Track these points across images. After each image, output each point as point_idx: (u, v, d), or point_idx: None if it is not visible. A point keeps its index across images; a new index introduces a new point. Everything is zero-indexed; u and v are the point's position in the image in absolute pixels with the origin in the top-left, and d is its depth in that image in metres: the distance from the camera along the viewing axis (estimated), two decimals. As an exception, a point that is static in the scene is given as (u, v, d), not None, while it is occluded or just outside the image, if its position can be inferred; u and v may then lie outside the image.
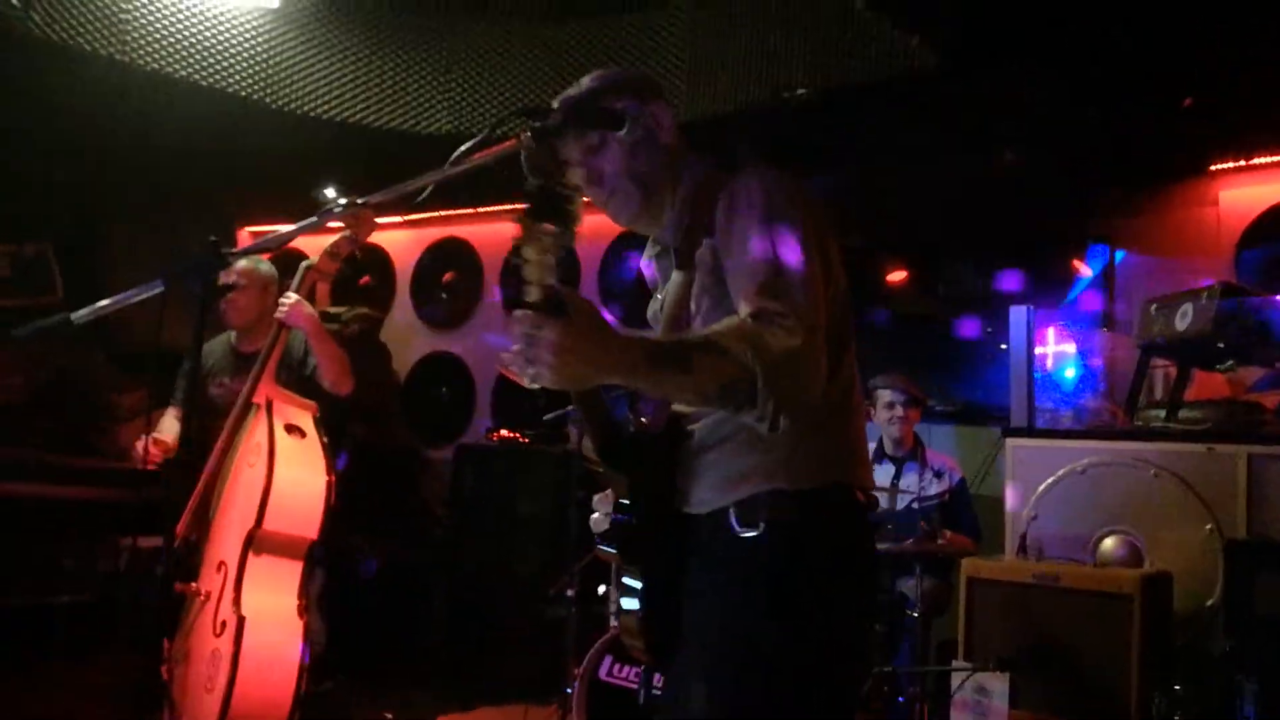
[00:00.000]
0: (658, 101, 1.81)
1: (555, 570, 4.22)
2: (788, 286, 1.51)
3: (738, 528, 1.61)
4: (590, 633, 3.87)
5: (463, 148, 1.76)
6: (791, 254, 1.54)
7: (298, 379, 3.72)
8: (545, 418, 4.23)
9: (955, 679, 3.01)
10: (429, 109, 4.84)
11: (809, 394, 1.47)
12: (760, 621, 1.58)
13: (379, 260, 6.66)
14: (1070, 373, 4.67)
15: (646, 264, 1.91)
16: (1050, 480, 3.33)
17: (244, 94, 4.60)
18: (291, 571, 3.40)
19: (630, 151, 1.76)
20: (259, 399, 3.49)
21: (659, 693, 1.92)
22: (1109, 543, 3.17)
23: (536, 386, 1.35)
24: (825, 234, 1.65)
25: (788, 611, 1.59)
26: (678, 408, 1.70)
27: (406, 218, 6.33)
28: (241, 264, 3.87)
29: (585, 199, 1.61)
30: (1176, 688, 2.67)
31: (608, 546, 1.75)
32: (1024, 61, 4.02)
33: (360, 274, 6.66)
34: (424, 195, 1.77)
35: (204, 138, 5.01)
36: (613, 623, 3.96)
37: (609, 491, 1.83)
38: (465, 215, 6.27)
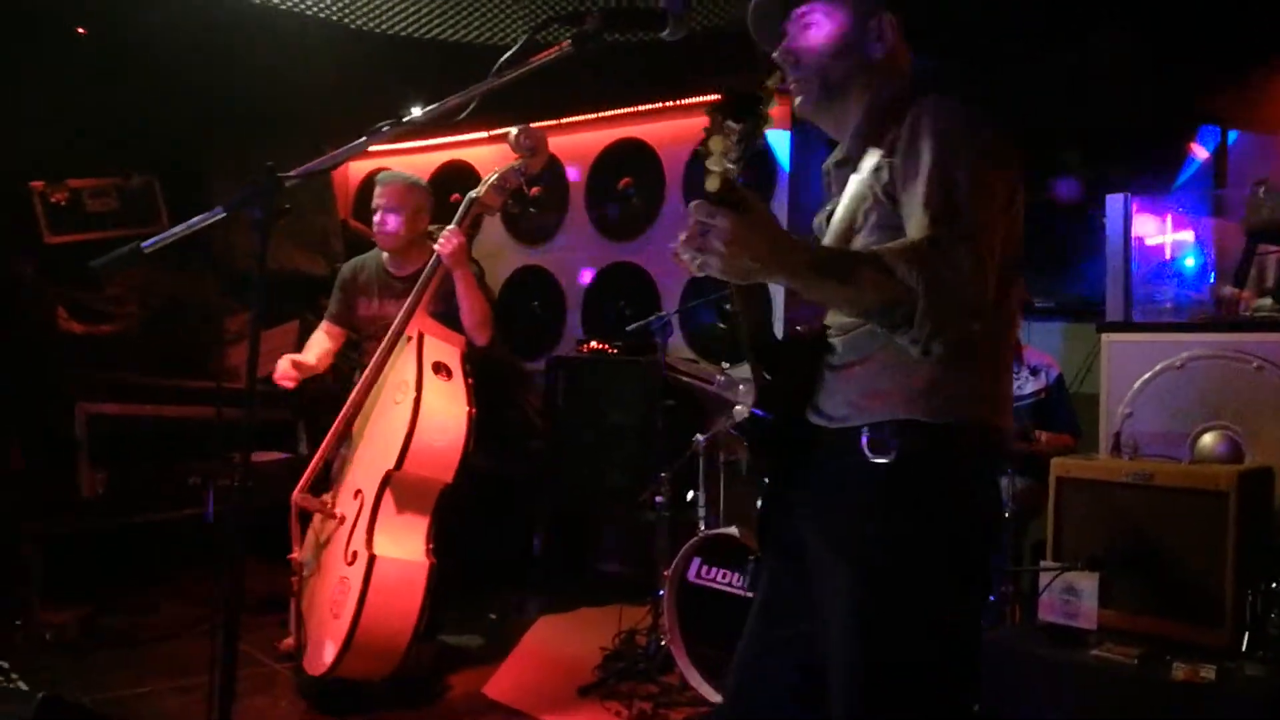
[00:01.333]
0: (885, 15, 1.78)
1: (646, 477, 4.29)
2: (961, 215, 1.49)
3: (869, 453, 1.60)
4: (681, 537, 3.94)
5: (504, 57, 1.75)
6: (968, 183, 1.52)
7: (447, 313, 3.69)
8: (629, 328, 4.24)
9: (1044, 579, 2.96)
10: (504, 20, 4.81)
11: (970, 324, 1.46)
12: (892, 561, 1.58)
13: (467, 177, 6.70)
14: (1190, 262, 4.44)
15: (826, 170, 1.91)
16: (1147, 376, 3.21)
17: (323, 16, 4.66)
18: (425, 511, 3.49)
19: (832, 47, 1.75)
20: (411, 331, 3.49)
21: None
22: (1208, 439, 3.04)
23: (702, 274, 1.42)
24: (1007, 164, 1.63)
25: (920, 551, 1.58)
26: (829, 319, 1.72)
27: (491, 134, 6.33)
28: (398, 184, 3.85)
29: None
30: (1275, 585, 2.58)
31: (742, 436, 1.84)
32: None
33: (449, 192, 6.74)
34: (468, 111, 1.76)
35: (289, 63, 5.09)
36: (701, 527, 4.03)
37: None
38: (548, 128, 6.23)
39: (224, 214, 1.82)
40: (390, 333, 3.50)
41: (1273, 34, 4.13)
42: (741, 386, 4.08)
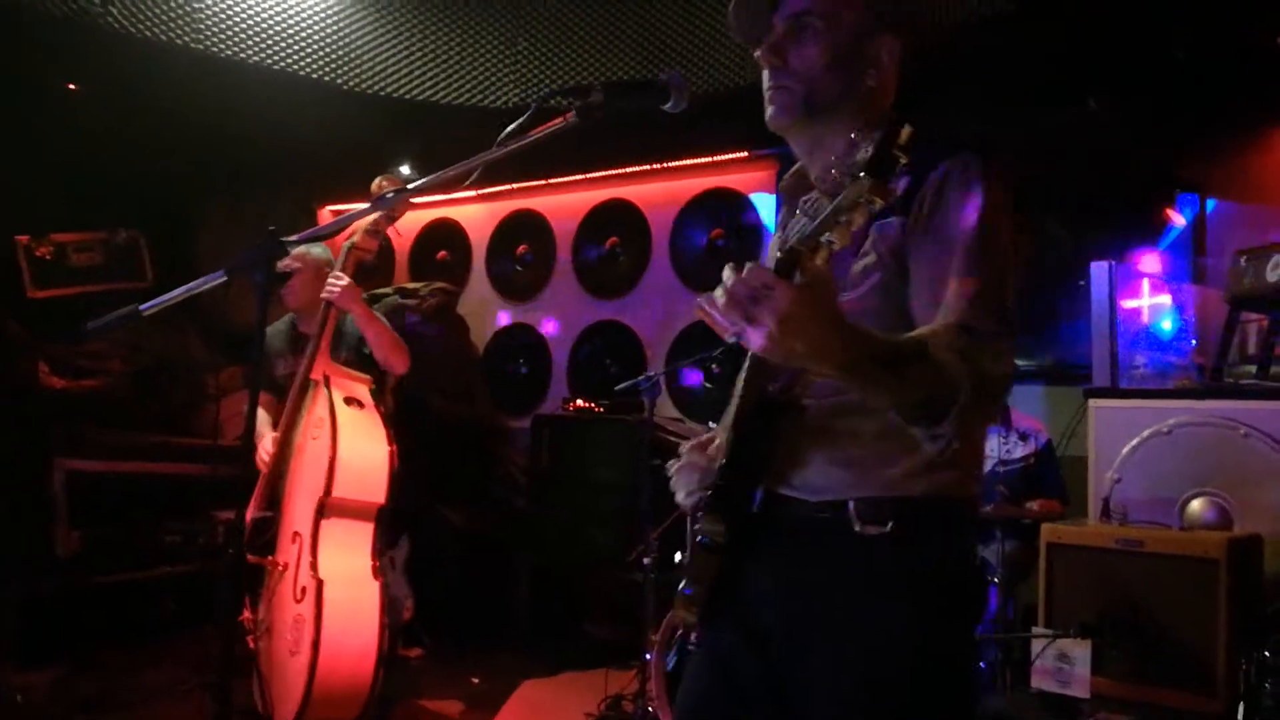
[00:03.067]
0: (887, 38, 1.61)
1: (632, 537, 4.26)
2: (1002, 304, 1.39)
3: (858, 523, 1.49)
4: (668, 598, 3.89)
5: (509, 128, 1.76)
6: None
7: (358, 356, 3.83)
8: (617, 388, 4.24)
9: (1036, 646, 2.95)
10: (496, 82, 4.87)
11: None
12: (895, 641, 1.48)
13: (455, 234, 6.75)
14: (1167, 325, 4.51)
15: (784, 190, 1.73)
16: (1135, 442, 3.23)
17: (315, 76, 4.70)
18: (363, 533, 3.56)
19: (828, 60, 1.56)
20: (316, 375, 3.62)
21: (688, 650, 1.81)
22: (1196, 505, 3.06)
23: (732, 341, 1.23)
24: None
25: (928, 629, 1.49)
26: (806, 378, 1.54)
27: (480, 191, 6.38)
28: (311, 251, 4.02)
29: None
30: (1266, 654, 2.58)
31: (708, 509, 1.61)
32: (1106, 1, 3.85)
33: (436, 249, 6.76)
34: (473, 178, 1.77)
35: (280, 121, 5.13)
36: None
37: (691, 458, 1.72)
38: (537, 187, 6.31)
39: (224, 277, 1.81)
40: (296, 381, 3.63)
41: (1250, 105, 4.24)
42: (672, 463, 4.05)
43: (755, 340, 1.19)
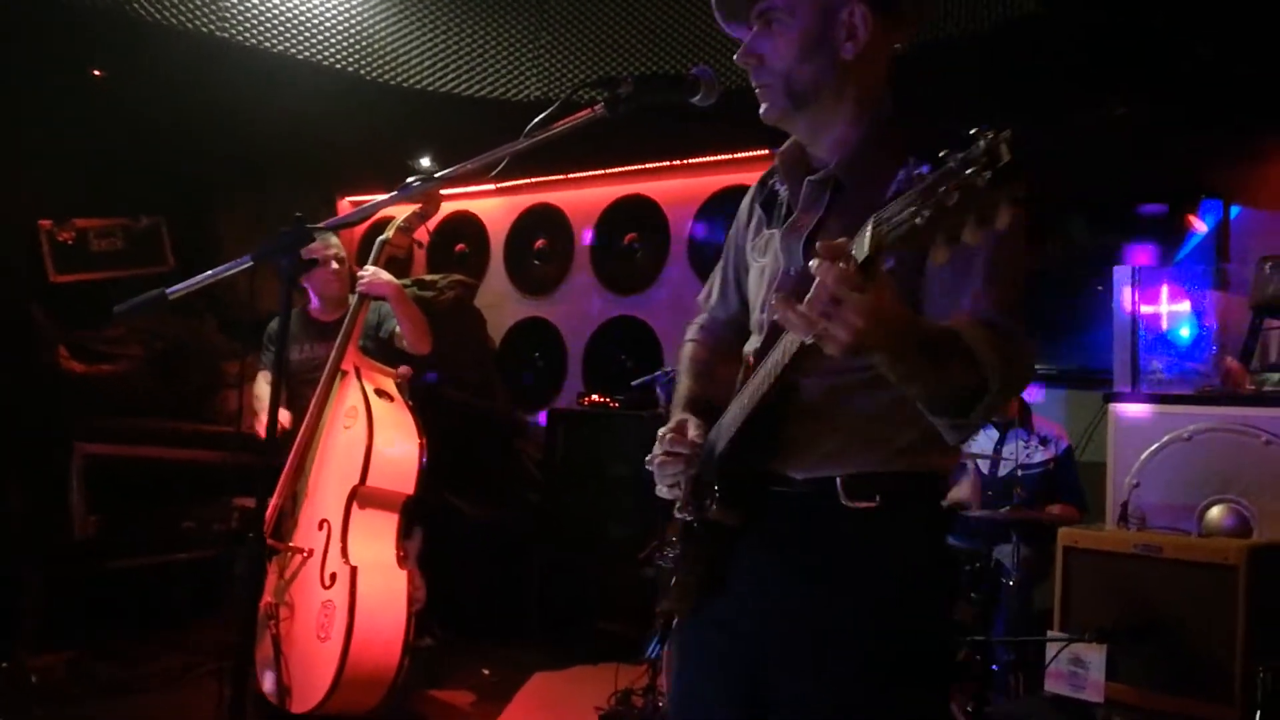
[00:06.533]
0: (859, 6, 1.54)
1: (646, 532, 4.26)
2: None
3: (845, 499, 1.52)
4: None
5: (537, 119, 1.76)
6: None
7: (376, 343, 3.95)
8: (633, 383, 4.25)
9: (1050, 649, 2.94)
10: (518, 76, 4.87)
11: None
12: (893, 616, 1.51)
13: (473, 228, 6.76)
14: (1185, 332, 4.48)
15: (785, 170, 1.68)
16: (1154, 447, 3.21)
17: (338, 67, 4.70)
18: (390, 523, 3.64)
19: (797, 48, 1.55)
20: (346, 366, 3.70)
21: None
22: (1215, 512, 3.04)
23: (809, 341, 1.23)
24: None
25: (926, 601, 1.56)
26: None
27: (499, 185, 6.39)
28: (335, 241, 4.12)
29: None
30: (1285, 663, 2.56)
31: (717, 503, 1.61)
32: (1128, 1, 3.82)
33: (455, 242, 6.78)
34: (499, 168, 1.77)
35: (303, 111, 5.15)
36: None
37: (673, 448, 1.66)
38: (556, 181, 6.31)
39: (251, 263, 1.81)
40: (327, 370, 3.70)
41: (1276, 111, 4.20)
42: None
43: (840, 337, 1.18)
